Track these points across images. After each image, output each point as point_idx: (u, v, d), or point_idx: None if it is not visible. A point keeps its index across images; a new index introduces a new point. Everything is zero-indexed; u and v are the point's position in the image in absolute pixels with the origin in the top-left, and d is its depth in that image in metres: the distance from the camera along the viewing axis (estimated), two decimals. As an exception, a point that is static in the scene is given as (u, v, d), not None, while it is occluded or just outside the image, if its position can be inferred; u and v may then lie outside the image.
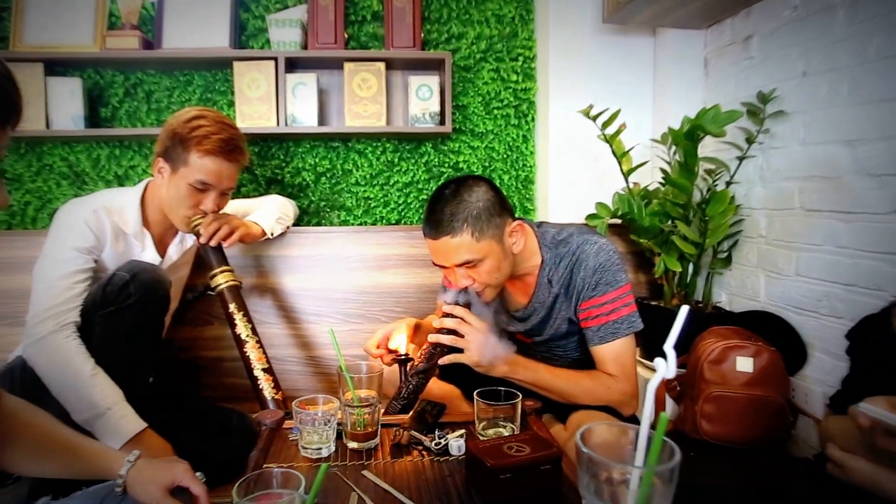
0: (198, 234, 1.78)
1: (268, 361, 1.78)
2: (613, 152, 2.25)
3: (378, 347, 1.55)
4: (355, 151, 2.66)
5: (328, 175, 2.66)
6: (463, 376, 1.52)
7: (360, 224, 2.69)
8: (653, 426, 0.72)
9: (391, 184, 2.69)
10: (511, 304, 1.68)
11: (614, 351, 1.50)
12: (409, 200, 2.71)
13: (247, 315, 1.80)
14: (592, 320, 1.51)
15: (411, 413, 1.40)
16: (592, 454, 0.73)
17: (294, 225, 2.34)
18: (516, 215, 1.57)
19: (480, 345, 1.38)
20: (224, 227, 1.79)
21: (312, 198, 2.66)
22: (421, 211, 2.69)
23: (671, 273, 2.27)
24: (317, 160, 2.64)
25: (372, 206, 2.70)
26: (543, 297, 1.59)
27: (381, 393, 1.43)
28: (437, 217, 1.44)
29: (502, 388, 1.34)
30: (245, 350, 1.77)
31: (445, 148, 2.69)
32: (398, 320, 1.63)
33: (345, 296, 2.39)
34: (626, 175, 2.29)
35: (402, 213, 2.72)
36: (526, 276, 1.61)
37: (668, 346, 0.74)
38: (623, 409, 1.51)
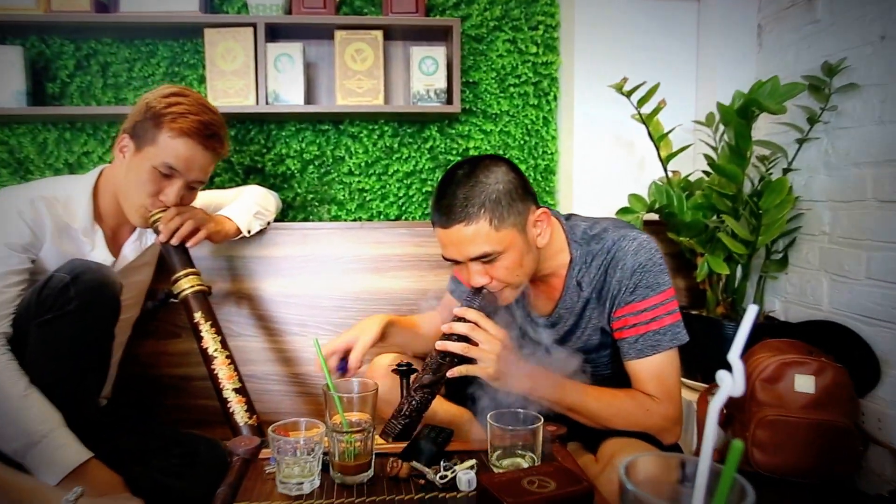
0: (157, 231, 1.75)
1: (240, 380, 1.75)
2: (650, 135, 2.24)
3: (329, 357, 1.57)
4: (348, 135, 2.65)
5: (316, 163, 2.65)
6: (474, 395, 1.48)
7: (355, 220, 2.68)
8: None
9: (390, 173, 2.68)
10: (533, 310, 1.66)
11: (655, 367, 1.47)
12: (410, 193, 2.70)
13: (215, 325, 1.77)
14: (629, 330, 1.49)
15: (412, 439, 1.37)
16: (640, 493, 0.68)
17: (276, 221, 2.33)
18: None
19: (497, 355, 1.35)
20: (188, 223, 1.77)
21: (298, 189, 2.65)
22: (425, 205, 2.71)
23: (716, 277, 2.25)
24: (303, 145, 2.63)
25: (368, 199, 2.69)
26: (571, 302, 1.58)
27: (377, 416, 1.40)
28: (448, 202, 1.42)
29: (521, 410, 1.32)
30: (213, 367, 1.73)
31: (453, 132, 2.69)
32: (366, 320, 1.61)
33: (336, 303, 2.37)
34: (664, 162, 2.27)
35: (403, 208, 2.71)
36: (551, 278, 1.60)
37: (734, 356, 0.68)
38: (664, 437, 1.47)
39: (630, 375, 1.51)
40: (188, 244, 1.79)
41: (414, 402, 1.40)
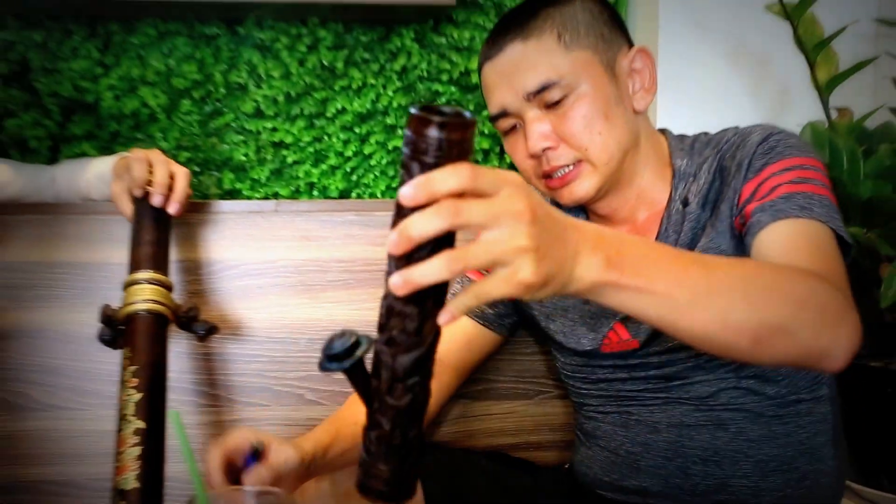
0: None
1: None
2: (799, 42, 2.29)
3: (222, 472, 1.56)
4: (254, 45, 2.63)
5: (196, 95, 2.62)
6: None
7: (266, 198, 2.68)
8: None
9: (329, 115, 2.67)
10: None
11: (806, 231, 1.54)
12: (366, 150, 2.70)
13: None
14: (759, 200, 1.60)
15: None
16: None
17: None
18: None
19: (529, 227, 0.95)
20: None
21: (162, 142, 2.62)
22: (392, 172, 2.74)
23: (917, 305, 2.30)
24: (171, 63, 2.59)
25: (289, 160, 2.68)
26: (674, 231, 1.74)
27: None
28: (501, 24, 1.72)
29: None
30: None
31: (443, 41, 2.69)
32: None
33: (224, 352, 2.26)
34: (824, 91, 2.32)
35: (353, 177, 2.72)
36: (645, 213, 1.81)
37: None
38: (835, 348, 1.35)
39: (762, 250, 1.56)
40: None
41: (397, 413, 1.15)
